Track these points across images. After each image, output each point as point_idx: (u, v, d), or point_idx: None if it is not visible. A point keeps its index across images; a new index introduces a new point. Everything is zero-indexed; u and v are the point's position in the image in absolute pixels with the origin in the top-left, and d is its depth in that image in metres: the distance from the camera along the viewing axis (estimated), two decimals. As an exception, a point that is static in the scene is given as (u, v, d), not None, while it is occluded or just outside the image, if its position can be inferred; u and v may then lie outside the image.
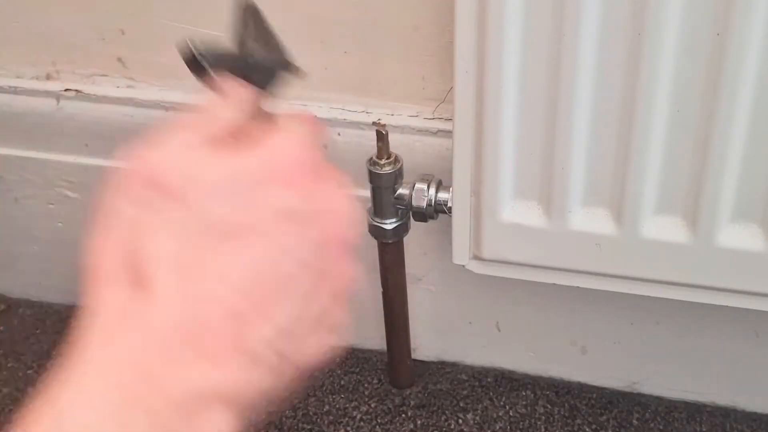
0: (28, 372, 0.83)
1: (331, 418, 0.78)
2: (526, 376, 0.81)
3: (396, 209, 0.68)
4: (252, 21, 0.44)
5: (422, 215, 0.67)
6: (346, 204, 0.38)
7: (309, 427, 0.78)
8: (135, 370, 0.31)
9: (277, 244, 0.34)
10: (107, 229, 0.35)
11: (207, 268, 0.33)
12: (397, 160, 0.67)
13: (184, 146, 0.36)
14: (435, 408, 0.79)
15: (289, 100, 0.74)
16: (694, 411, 0.77)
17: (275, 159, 0.36)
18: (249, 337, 0.33)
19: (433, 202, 0.66)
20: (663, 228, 0.60)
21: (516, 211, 0.62)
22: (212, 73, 0.42)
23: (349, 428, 0.78)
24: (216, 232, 0.34)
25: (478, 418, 0.78)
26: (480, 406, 0.79)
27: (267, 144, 0.37)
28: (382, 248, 0.72)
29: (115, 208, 0.35)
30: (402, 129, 0.69)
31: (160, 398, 0.31)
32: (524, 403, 0.79)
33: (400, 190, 0.67)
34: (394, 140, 0.66)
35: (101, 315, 0.33)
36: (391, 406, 0.79)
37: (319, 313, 0.36)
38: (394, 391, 0.81)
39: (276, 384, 0.35)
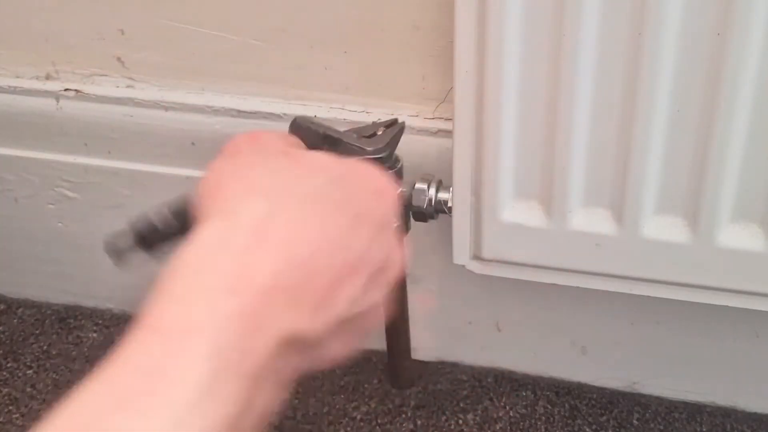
0: (28, 372, 0.83)
1: (331, 418, 0.78)
2: (527, 376, 0.81)
3: (396, 209, 0.68)
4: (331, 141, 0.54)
5: (422, 215, 0.67)
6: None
7: (309, 427, 0.78)
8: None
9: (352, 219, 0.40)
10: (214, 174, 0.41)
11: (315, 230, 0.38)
12: (397, 160, 0.66)
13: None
14: (435, 408, 0.79)
15: (290, 100, 0.74)
16: (694, 411, 0.77)
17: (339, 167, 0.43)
18: (339, 295, 0.37)
19: (433, 202, 0.66)
20: (663, 228, 0.60)
21: (516, 211, 0.62)
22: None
23: (349, 428, 0.78)
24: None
25: (478, 418, 0.78)
26: (480, 406, 0.79)
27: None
28: (382, 248, 0.72)
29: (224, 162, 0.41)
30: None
31: (259, 339, 0.32)
32: (524, 403, 0.79)
33: (400, 190, 0.67)
34: (394, 140, 0.66)
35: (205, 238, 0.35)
36: (391, 407, 0.79)
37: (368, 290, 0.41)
38: (394, 391, 0.81)
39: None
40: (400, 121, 0.58)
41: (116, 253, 0.47)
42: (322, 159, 0.43)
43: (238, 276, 0.33)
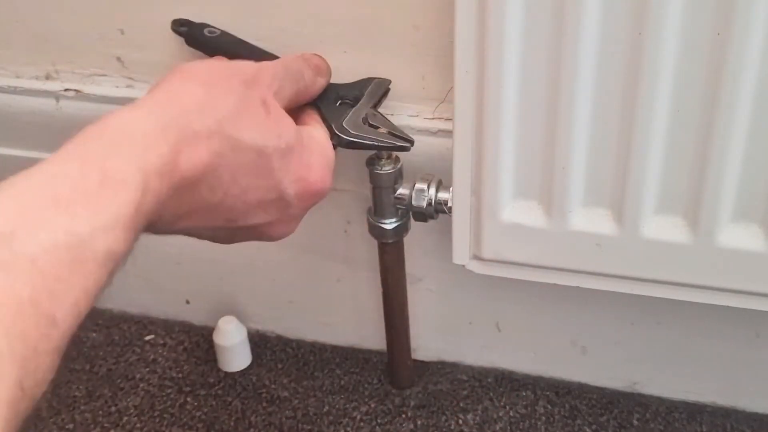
0: (28, 372, 0.83)
1: (331, 418, 0.78)
2: (527, 376, 0.81)
3: (396, 209, 0.68)
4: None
5: (422, 215, 0.67)
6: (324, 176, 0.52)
7: (309, 427, 0.78)
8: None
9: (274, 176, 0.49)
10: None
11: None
12: (397, 159, 0.66)
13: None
14: (435, 408, 0.79)
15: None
16: (694, 411, 0.77)
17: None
18: (204, 227, 0.48)
19: (433, 202, 0.66)
20: (663, 228, 0.60)
21: (516, 210, 0.62)
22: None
23: (349, 428, 0.78)
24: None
25: (478, 418, 0.78)
26: (480, 406, 0.79)
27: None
28: (382, 248, 0.72)
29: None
30: (402, 129, 0.69)
31: (153, 215, 0.42)
32: (524, 403, 0.79)
33: (400, 190, 0.67)
34: (394, 140, 0.66)
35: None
36: (391, 407, 0.79)
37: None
38: (394, 391, 0.81)
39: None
40: (410, 142, 0.61)
41: (178, 23, 0.67)
42: (287, 125, 0.49)
43: (167, 164, 0.42)
